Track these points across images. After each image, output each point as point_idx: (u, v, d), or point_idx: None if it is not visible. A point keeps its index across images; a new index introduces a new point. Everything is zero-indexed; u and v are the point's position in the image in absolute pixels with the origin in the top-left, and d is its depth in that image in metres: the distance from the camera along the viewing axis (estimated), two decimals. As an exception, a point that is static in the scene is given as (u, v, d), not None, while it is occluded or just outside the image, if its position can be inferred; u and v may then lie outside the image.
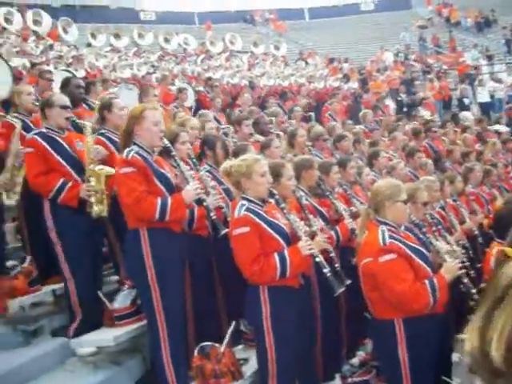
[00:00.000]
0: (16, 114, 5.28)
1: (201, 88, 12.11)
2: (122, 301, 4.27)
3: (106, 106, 5.13)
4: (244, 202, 3.52)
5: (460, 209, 6.30)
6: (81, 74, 10.93)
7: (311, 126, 8.46)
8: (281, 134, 7.30)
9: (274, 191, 3.63)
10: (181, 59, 14.33)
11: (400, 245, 3.43)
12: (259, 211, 3.51)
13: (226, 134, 6.73)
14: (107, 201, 4.44)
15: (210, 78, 12.72)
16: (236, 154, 5.16)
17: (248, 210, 3.46)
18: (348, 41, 30.02)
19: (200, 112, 7.59)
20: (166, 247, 3.74)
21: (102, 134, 4.99)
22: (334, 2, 35.53)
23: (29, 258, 4.84)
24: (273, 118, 8.40)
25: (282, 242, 3.50)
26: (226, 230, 3.87)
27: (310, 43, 27.93)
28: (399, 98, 17.43)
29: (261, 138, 6.50)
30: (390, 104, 16.13)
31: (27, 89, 5.47)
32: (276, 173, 3.86)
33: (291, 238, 3.58)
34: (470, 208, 6.62)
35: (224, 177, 4.09)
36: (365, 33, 30.37)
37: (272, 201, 3.69)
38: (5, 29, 12.55)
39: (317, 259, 3.57)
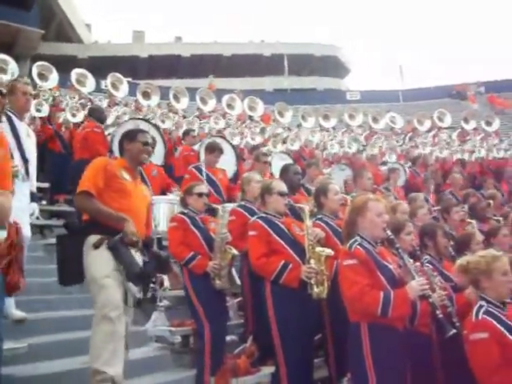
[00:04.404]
0: (243, 203, 5.71)
1: (410, 165, 11.93)
2: (341, 394, 4.17)
3: (322, 192, 5.28)
4: (483, 302, 3.28)
5: None
6: (296, 146, 11.56)
7: (538, 210, 7.78)
8: (500, 219, 6.78)
9: (519, 293, 3.32)
10: (388, 137, 14.37)
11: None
12: (499, 315, 3.22)
13: (435, 219, 6.44)
14: (327, 283, 4.46)
15: (418, 157, 12.45)
16: (460, 244, 4.91)
17: (487, 312, 3.21)
18: None
19: (411, 195, 7.35)
20: (387, 344, 3.57)
21: (319, 219, 5.12)
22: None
23: (250, 338, 5.01)
24: (490, 202, 7.90)
25: (525, 352, 3.14)
26: (454, 330, 3.60)
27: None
28: None
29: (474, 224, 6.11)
30: None
31: (256, 177, 5.86)
32: (514, 270, 3.53)
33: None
34: None
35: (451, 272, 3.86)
36: None
37: (509, 300, 3.38)
38: (225, 114, 13.90)
39: None
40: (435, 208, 7.47)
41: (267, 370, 4.90)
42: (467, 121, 16.64)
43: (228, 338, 5.59)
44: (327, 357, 4.96)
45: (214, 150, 7.55)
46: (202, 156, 8.08)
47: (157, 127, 9.20)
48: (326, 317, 4.86)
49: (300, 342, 4.51)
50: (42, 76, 11.96)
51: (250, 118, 14.73)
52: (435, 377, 4.19)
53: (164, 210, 6.45)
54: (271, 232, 4.73)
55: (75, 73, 12.80)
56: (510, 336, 3.15)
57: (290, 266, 4.56)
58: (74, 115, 10.58)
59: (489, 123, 16.71)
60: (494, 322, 3.17)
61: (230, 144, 9.56)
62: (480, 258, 3.38)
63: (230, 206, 6.10)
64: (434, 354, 4.21)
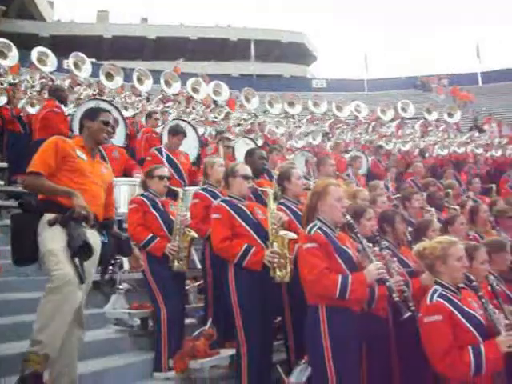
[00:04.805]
0: (206, 186, 5.66)
1: (373, 153, 12.10)
2: (298, 376, 4.21)
3: (286, 176, 5.29)
4: (437, 287, 3.36)
5: None
6: (260, 142, 11.54)
7: (494, 200, 7.97)
8: (457, 208, 6.92)
9: (472, 277, 3.40)
10: (352, 127, 14.50)
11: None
12: (453, 298, 3.31)
13: (396, 206, 6.52)
14: (290, 266, 4.48)
15: (381, 146, 12.63)
16: (418, 230, 5.00)
17: (441, 296, 3.29)
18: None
19: (372, 183, 7.45)
20: (344, 326, 3.63)
21: (281, 203, 5.13)
22: (509, 66, 33.98)
23: (210, 321, 5.02)
24: (449, 191, 8.06)
25: (476, 334, 3.25)
26: (409, 313, 3.69)
27: (483, 109, 26.78)
28: None
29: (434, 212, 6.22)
30: None
31: (220, 161, 5.84)
32: (468, 255, 3.62)
33: (487, 331, 3.30)
34: None
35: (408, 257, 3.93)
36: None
37: (462, 285, 3.47)
38: (192, 98, 13.76)
39: (518, 357, 3.23)
40: (395, 196, 7.59)
41: (226, 353, 4.93)
42: (430, 112, 16.92)
43: (187, 321, 5.62)
44: (286, 339, 5.00)
45: (177, 133, 7.48)
46: (165, 139, 8.00)
47: (118, 109, 9.06)
48: (286, 300, 4.89)
49: (261, 325, 4.55)
50: (0, 54, 11.59)
51: (215, 102, 14.63)
52: (390, 359, 4.29)
53: (124, 192, 6.39)
54: (235, 215, 4.73)
55: (36, 51, 12.40)
56: (462, 319, 3.24)
57: (253, 249, 4.58)
58: (32, 105, 10.26)
59: (451, 115, 17.03)
60: (448, 305, 3.25)
61: (194, 128, 9.49)
62: (436, 244, 3.46)
63: (191, 189, 6.07)
64: (390, 337, 4.30)
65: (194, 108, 12.95)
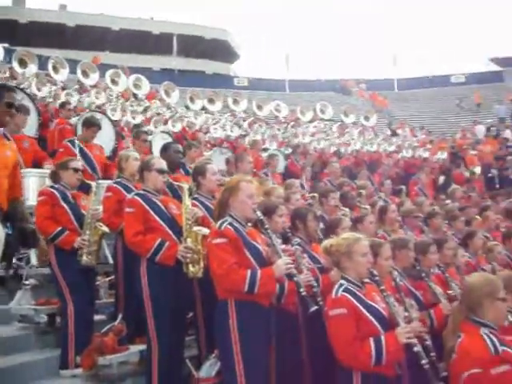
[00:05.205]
0: (120, 179, 5.56)
1: (290, 153, 12.31)
2: (208, 370, 4.23)
3: (201, 172, 5.28)
4: (343, 281, 3.47)
5: None
6: (178, 128, 11.45)
7: (402, 201, 8.33)
8: (368, 207, 7.18)
9: (375, 272, 3.54)
10: (271, 126, 14.67)
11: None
12: (357, 293, 3.43)
13: (310, 205, 6.67)
14: (204, 262, 4.47)
15: (298, 146, 12.88)
16: (329, 228, 5.14)
17: (346, 290, 3.39)
18: (437, 112, 29.81)
19: (287, 181, 7.59)
20: (253, 320, 3.68)
21: (195, 199, 5.12)
22: (425, 74, 35.69)
23: (120, 316, 4.93)
24: (362, 191, 8.35)
25: (378, 326, 3.38)
26: (316, 307, 3.79)
27: (398, 114, 27.97)
28: (490, 175, 16.89)
29: (347, 212, 6.42)
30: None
31: (134, 154, 5.73)
32: (373, 252, 3.77)
33: (388, 323, 3.45)
34: None
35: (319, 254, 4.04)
36: (454, 105, 30.10)
37: (368, 280, 3.60)
38: (110, 89, 13.44)
39: (415, 349, 3.39)
40: (310, 194, 7.76)
41: (136, 348, 4.86)
42: (347, 114, 17.47)
43: (97, 317, 5.49)
44: (198, 334, 5.00)
45: (91, 125, 7.27)
46: (79, 130, 7.76)
47: (31, 97, 8.69)
48: (197, 295, 4.89)
49: (173, 320, 4.51)
50: None
51: (135, 95, 14.37)
52: (301, 352, 4.40)
53: (34, 184, 6.15)
54: (148, 209, 4.66)
55: None
56: (365, 312, 3.37)
57: (167, 244, 4.53)
58: None
59: (367, 118, 17.65)
60: (352, 299, 3.36)
61: (110, 120, 9.28)
62: (342, 241, 3.57)
63: (105, 182, 5.94)
64: (301, 331, 4.41)
65: (109, 100, 12.61)
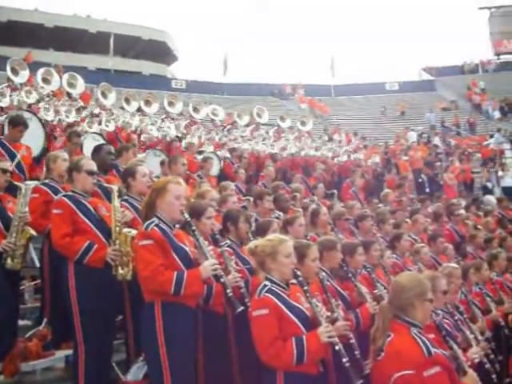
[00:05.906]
0: (47, 181, 5.41)
1: (227, 155, 12.33)
2: (135, 374, 4.19)
3: (130, 173, 5.23)
4: (267, 282, 3.51)
5: (486, 298, 6.15)
6: (111, 128, 11.25)
7: (332, 204, 8.53)
8: (300, 210, 7.28)
9: (299, 273, 3.60)
10: (208, 129, 14.65)
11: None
12: (281, 293, 3.48)
13: (244, 208, 6.72)
14: (133, 264, 4.42)
15: (234, 149, 12.93)
16: (259, 230, 5.20)
17: (269, 291, 3.44)
18: (372, 119, 30.70)
19: (222, 184, 7.62)
20: (179, 322, 3.67)
21: (125, 200, 5.07)
22: (361, 81, 36.70)
23: (45, 321, 4.80)
24: (296, 194, 8.47)
25: (301, 326, 3.44)
26: (242, 307, 3.82)
27: (334, 119, 28.57)
28: (420, 180, 17.52)
29: (281, 215, 6.51)
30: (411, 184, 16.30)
31: (63, 155, 5.61)
32: (300, 253, 3.86)
33: (312, 323, 3.52)
34: (497, 297, 6.46)
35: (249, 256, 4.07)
36: (389, 112, 31.09)
37: (294, 281, 3.66)
38: (42, 87, 13.01)
39: (336, 347, 3.48)
40: (245, 198, 7.80)
41: (62, 353, 4.75)
42: (283, 119, 17.67)
43: (22, 322, 5.33)
44: (127, 338, 4.94)
45: (17, 124, 7.02)
46: (6, 130, 7.49)
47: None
48: (127, 297, 4.83)
49: (100, 324, 4.43)
50: None
51: (69, 95, 13.98)
52: (230, 353, 4.41)
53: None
54: (77, 211, 4.59)
55: None
56: (288, 312, 3.42)
57: (95, 246, 4.48)
58: None
59: (303, 123, 17.92)
60: (274, 299, 3.41)
61: (40, 120, 9.01)
62: (267, 242, 3.62)
63: (32, 183, 5.76)
64: (229, 332, 4.43)
65: (41, 99, 12.21)
